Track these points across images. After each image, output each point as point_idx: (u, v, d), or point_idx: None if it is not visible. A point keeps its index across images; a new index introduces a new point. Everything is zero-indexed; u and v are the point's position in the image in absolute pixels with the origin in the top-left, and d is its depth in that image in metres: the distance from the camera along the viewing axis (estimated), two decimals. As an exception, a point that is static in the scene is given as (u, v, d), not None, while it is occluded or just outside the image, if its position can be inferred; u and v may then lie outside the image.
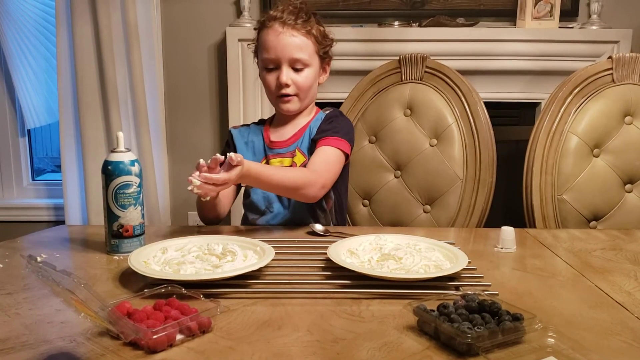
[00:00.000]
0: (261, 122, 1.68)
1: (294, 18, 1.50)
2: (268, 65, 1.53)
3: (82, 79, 2.57)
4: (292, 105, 1.55)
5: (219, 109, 2.75)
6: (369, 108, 1.85)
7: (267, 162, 1.57)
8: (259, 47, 1.56)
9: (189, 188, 1.23)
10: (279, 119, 1.63)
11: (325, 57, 1.59)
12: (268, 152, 1.59)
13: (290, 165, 1.54)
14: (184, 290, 0.94)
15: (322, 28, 1.56)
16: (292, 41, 1.49)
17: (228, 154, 1.25)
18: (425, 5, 2.65)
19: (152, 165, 2.64)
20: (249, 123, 1.70)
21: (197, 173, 1.23)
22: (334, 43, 1.60)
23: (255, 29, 1.59)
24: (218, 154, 1.24)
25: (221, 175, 1.23)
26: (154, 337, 0.79)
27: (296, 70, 1.52)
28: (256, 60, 1.61)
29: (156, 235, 1.37)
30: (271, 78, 1.53)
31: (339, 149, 1.50)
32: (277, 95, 1.54)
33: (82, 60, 2.56)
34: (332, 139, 1.51)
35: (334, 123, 1.56)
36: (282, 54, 1.50)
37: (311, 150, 1.53)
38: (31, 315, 0.93)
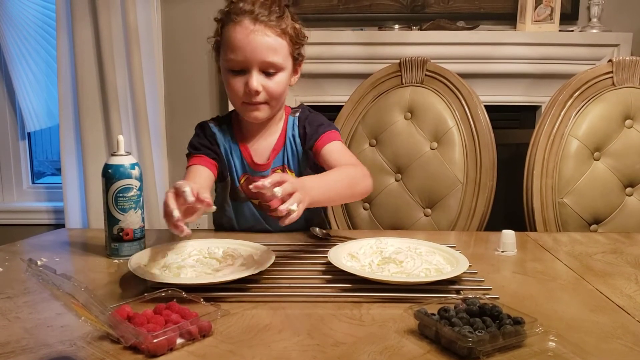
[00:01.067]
0: (227, 122, 1.47)
1: (267, 13, 1.28)
2: (234, 67, 1.32)
3: (82, 82, 2.57)
4: (262, 114, 1.36)
5: (219, 113, 2.75)
6: (369, 111, 1.85)
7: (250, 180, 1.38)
8: (223, 45, 1.35)
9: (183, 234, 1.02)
10: (248, 128, 1.44)
11: (298, 57, 1.38)
12: (249, 170, 1.43)
13: None
14: (184, 294, 0.94)
15: (297, 25, 1.35)
16: (265, 42, 1.28)
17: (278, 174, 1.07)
18: (426, 9, 2.65)
19: (152, 168, 2.64)
20: (216, 119, 1.48)
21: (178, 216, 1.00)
22: (307, 39, 1.39)
23: (216, 19, 1.37)
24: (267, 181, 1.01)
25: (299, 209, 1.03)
26: (154, 341, 0.79)
27: (267, 74, 1.31)
28: (215, 55, 1.40)
29: (156, 238, 1.37)
30: (237, 83, 1.32)
31: (338, 140, 1.40)
32: (244, 101, 1.34)
33: (82, 63, 2.56)
34: (327, 134, 1.39)
35: (314, 121, 1.42)
36: (252, 57, 1.29)
37: (310, 162, 1.40)
38: (31, 319, 0.93)
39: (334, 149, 1.38)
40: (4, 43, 2.80)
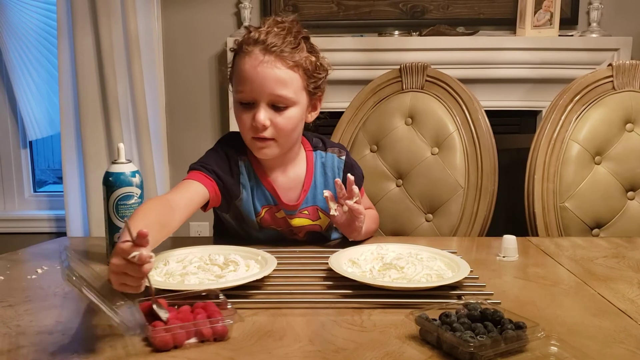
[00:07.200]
0: (246, 152, 1.34)
1: (279, 43, 1.21)
2: (243, 99, 1.25)
3: (84, 90, 2.58)
4: (270, 151, 1.28)
5: (220, 120, 2.76)
6: (370, 117, 1.85)
7: (286, 218, 1.37)
8: (234, 75, 1.28)
9: None
10: (267, 164, 1.35)
11: (315, 92, 1.30)
12: (275, 203, 1.36)
13: (310, 225, 1.40)
14: (221, 296, 0.94)
15: (313, 58, 1.27)
16: (274, 74, 1.21)
17: (350, 177, 1.24)
18: (426, 15, 2.66)
19: (153, 176, 2.64)
20: (240, 147, 1.34)
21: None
22: (330, 71, 1.32)
23: (232, 50, 1.30)
24: None
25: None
26: (157, 336, 0.82)
27: (277, 109, 1.24)
28: (231, 86, 1.31)
29: (157, 246, 1.36)
30: (246, 116, 1.25)
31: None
32: (251, 136, 1.27)
33: (83, 71, 2.57)
34: (362, 188, 1.40)
35: (358, 172, 1.41)
36: (259, 90, 1.22)
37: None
38: (32, 327, 0.93)
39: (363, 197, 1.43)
40: (6, 51, 2.81)
